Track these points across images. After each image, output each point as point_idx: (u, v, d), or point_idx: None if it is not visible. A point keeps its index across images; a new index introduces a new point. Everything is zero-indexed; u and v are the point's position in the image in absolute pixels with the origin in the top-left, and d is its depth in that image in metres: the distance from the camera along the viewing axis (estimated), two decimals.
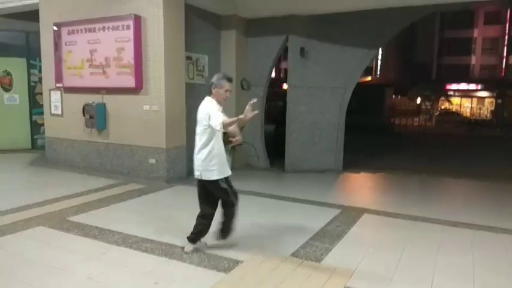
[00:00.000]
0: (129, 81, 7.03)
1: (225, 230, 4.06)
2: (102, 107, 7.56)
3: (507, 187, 7.69)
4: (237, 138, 4.04)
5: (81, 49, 7.59)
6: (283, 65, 32.65)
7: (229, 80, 3.95)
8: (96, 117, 7.52)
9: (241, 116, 3.60)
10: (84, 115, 7.71)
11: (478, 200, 6.96)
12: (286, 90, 9.21)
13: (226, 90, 3.89)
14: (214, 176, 3.87)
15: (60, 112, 8.31)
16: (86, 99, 7.69)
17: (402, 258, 3.98)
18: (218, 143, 3.92)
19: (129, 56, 6.98)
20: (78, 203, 5.71)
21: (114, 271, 3.59)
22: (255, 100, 3.62)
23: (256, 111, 3.63)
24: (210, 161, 3.87)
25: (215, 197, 3.97)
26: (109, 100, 7.55)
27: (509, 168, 10.63)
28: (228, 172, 3.98)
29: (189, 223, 4.97)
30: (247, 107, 3.58)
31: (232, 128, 3.96)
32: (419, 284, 3.42)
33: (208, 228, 4.02)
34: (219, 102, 3.90)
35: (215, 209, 4.03)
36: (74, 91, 7.95)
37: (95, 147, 7.84)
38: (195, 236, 4.03)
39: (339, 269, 3.69)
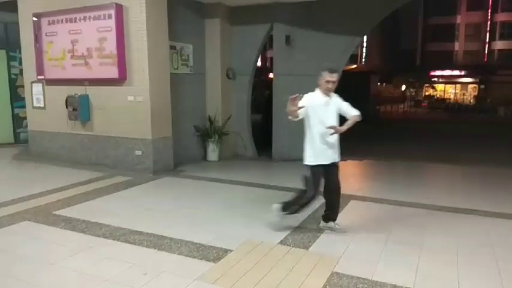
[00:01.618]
0: (112, 72, 6.91)
1: (287, 204, 4.33)
2: (85, 99, 7.44)
3: (490, 171, 7.86)
4: (334, 127, 4.03)
5: (62, 40, 7.43)
6: (269, 54, 32.53)
7: (331, 71, 4.01)
8: (79, 109, 7.41)
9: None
10: (67, 107, 7.58)
11: (462, 184, 7.11)
12: (272, 79, 9.19)
13: (327, 81, 3.98)
14: (304, 160, 4.17)
15: (42, 105, 8.16)
16: (69, 91, 7.56)
17: (388, 243, 4.05)
18: (310, 132, 4.10)
19: (111, 46, 6.86)
20: (64, 196, 5.65)
21: (102, 264, 3.57)
22: (295, 95, 3.78)
23: (300, 106, 3.83)
24: (305, 146, 4.16)
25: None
26: (92, 91, 7.43)
27: (492, 152, 10.86)
28: (318, 161, 4.09)
29: (177, 215, 4.99)
30: (288, 102, 3.81)
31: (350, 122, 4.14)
32: (405, 268, 3.48)
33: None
34: (324, 93, 4.05)
35: (324, 189, 4.29)
36: (56, 83, 7.80)
37: (79, 140, 7.73)
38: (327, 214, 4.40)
39: (326, 255, 3.74)
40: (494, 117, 25.74)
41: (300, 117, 3.97)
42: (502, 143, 13.23)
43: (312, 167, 4.11)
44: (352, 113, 4.11)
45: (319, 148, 4.07)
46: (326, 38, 8.48)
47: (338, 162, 4.24)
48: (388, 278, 3.27)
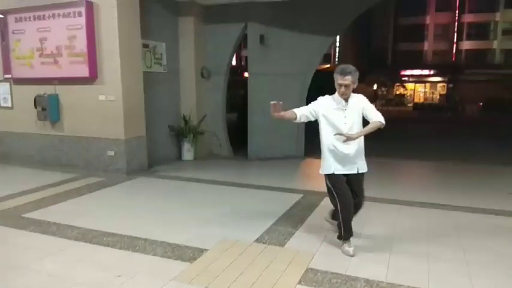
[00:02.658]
0: (83, 71, 6.77)
1: (332, 215, 4.13)
2: (54, 98, 7.25)
3: (454, 167, 8.13)
4: (343, 134, 3.55)
5: (30, 38, 7.21)
6: (243, 53, 32.54)
7: (343, 72, 3.57)
8: (48, 109, 7.21)
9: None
10: (36, 107, 7.37)
11: (429, 179, 7.33)
12: (247, 78, 9.20)
13: (340, 85, 3.59)
14: (320, 169, 3.83)
15: (10, 105, 7.89)
16: (38, 91, 7.35)
17: (361, 238, 4.13)
18: (321, 139, 3.79)
19: (81, 44, 6.71)
20: (34, 199, 5.48)
21: (74, 266, 3.49)
22: (274, 102, 3.57)
23: (278, 113, 3.62)
24: (321, 153, 3.83)
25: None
26: (62, 91, 7.25)
27: (457, 149, 11.25)
28: (330, 170, 3.71)
29: (152, 215, 4.93)
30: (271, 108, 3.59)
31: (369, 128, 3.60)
32: (377, 263, 3.56)
33: (351, 221, 3.79)
34: (341, 97, 3.66)
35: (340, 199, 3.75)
36: (24, 82, 7.56)
37: (49, 141, 7.52)
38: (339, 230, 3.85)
39: (301, 251, 3.79)
40: (462, 116, 26.64)
41: (303, 119, 3.77)
42: (470, 140, 13.71)
43: (329, 176, 3.75)
44: (374, 118, 3.58)
45: (331, 156, 3.71)
46: (300, 37, 8.57)
47: (361, 173, 3.81)
48: (361, 273, 3.34)
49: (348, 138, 3.52)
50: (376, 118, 3.57)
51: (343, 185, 3.71)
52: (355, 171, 3.75)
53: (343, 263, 3.53)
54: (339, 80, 3.59)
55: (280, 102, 3.60)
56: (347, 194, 3.70)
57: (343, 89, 3.59)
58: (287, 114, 3.76)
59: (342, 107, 3.66)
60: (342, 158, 3.69)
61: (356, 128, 3.65)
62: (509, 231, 4.42)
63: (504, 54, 38.12)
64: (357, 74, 3.59)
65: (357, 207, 3.84)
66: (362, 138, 3.73)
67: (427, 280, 3.23)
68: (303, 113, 3.76)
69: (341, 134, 3.55)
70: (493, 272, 3.41)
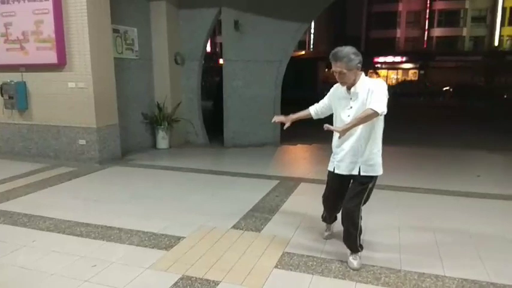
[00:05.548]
0: (51, 57, 6.53)
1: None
2: (22, 86, 6.98)
3: (425, 152, 8.36)
4: (329, 127, 3.02)
5: None
6: (218, 40, 32.17)
7: (333, 57, 3.02)
8: (16, 97, 6.95)
9: None
10: (2, 95, 7.09)
11: (400, 164, 7.50)
12: (222, 65, 9.10)
13: (334, 72, 3.07)
14: None
15: None
16: (3, 78, 7.06)
17: (336, 222, 4.20)
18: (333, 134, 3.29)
19: (49, 29, 6.46)
20: (3, 190, 5.31)
21: (47, 258, 3.42)
22: (274, 120, 3.69)
23: (289, 120, 3.59)
24: None
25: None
26: (30, 78, 6.99)
27: (428, 134, 11.55)
28: (334, 168, 3.30)
29: (126, 204, 4.86)
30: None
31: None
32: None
33: (329, 214, 3.74)
34: (343, 85, 3.17)
35: (332, 200, 3.54)
36: None
37: (17, 130, 7.27)
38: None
39: (278, 236, 3.83)
40: (433, 101, 27.31)
41: (321, 116, 3.53)
42: (439, 124, 14.10)
43: (328, 172, 3.43)
44: (368, 104, 2.92)
45: (334, 150, 3.33)
46: (274, 23, 8.51)
47: (365, 176, 3.16)
48: (335, 255, 3.42)
49: (341, 133, 3.00)
50: (370, 105, 2.88)
51: (332, 187, 3.43)
52: (355, 172, 3.17)
53: (318, 246, 3.60)
54: (332, 65, 3.06)
55: (282, 117, 3.62)
56: (329, 197, 3.53)
57: (337, 76, 3.07)
58: (301, 114, 3.61)
59: (346, 95, 3.14)
60: (340, 156, 3.23)
61: None
62: (478, 212, 4.60)
63: (473, 41, 39.17)
64: (353, 59, 2.97)
65: (347, 217, 3.24)
66: (370, 131, 3.09)
67: (398, 261, 3.33)
68: (317, 109, 3.53)
69: (327, 127, 3.00)
70: (461, 252, 3.54)
